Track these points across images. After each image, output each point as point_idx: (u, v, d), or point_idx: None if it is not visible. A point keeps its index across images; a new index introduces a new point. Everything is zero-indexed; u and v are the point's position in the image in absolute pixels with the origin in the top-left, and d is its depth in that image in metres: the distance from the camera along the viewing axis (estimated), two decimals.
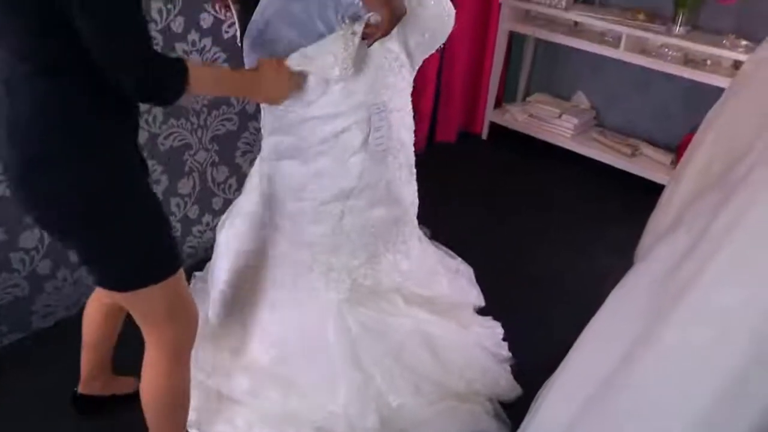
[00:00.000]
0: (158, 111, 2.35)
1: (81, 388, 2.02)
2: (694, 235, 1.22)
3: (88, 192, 1.40)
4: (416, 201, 2.14)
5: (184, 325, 1.63)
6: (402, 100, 1.94)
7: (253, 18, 1.79)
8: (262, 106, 1.97)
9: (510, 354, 2.27)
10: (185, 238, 2.67)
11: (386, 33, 1.69)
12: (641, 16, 3.36)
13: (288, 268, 2.03)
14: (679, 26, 3.19)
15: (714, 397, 1.04)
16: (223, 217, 2.25)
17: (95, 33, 1.27)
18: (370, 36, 1.70)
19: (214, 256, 2.25)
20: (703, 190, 1.51)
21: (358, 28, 1.69)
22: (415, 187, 2.13)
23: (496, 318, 2.41)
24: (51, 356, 2.24)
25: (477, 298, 2.47)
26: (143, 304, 1.55)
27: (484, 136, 3.99)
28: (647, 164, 3.50)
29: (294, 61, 1.74)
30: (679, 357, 1.11)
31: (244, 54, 1.86)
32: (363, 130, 1.85)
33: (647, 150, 3.58)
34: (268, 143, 1.99)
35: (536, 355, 2.08)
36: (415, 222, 2.19)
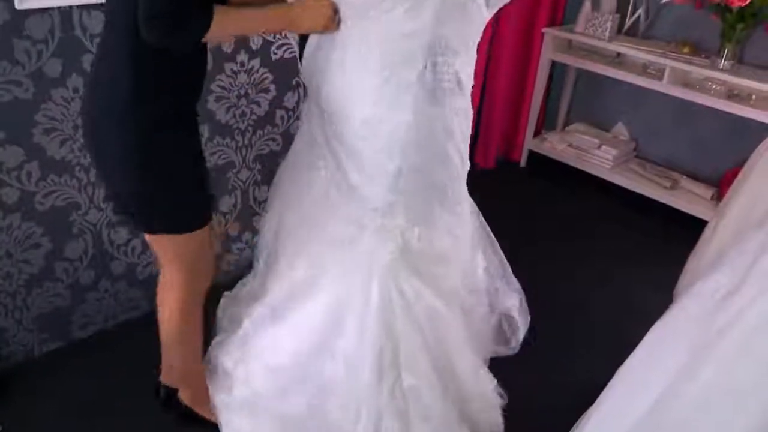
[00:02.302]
0: (204, 129, 2.40)
1: (162, 378, 2.09)
2: (738, 275, 1.21)
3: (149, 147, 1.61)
4: (468, 162, 2.05)
5: (204, 270, 1.88)
6: (466, 41, 1.86)
7: None
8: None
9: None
10: (224, 255, 2.70)
11: None
12: (686, 49, 3.35)
13: (339, 226, 1.99)
14: (724, 60, 3.17)
15: None
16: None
17: None
18: None
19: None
20: (746, 228, 1.50)
21: None
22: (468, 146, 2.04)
23: (525, 346, 2.39)
24: (88, 366, 2.29)
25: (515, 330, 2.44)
26: (178, 247, 1.78)
27: (523, 163, 4.00)
28: (687, 198, 3.46)
29: None
30: (721, 394, 1.10)
31: None
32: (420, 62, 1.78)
33: (687, 183, 3.55)
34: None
35: (566, 389, 2.07)
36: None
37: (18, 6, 1.88)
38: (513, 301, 2.44)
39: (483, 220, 2.32)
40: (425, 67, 1.76)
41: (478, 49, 1.90)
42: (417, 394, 1.92)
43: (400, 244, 1.92)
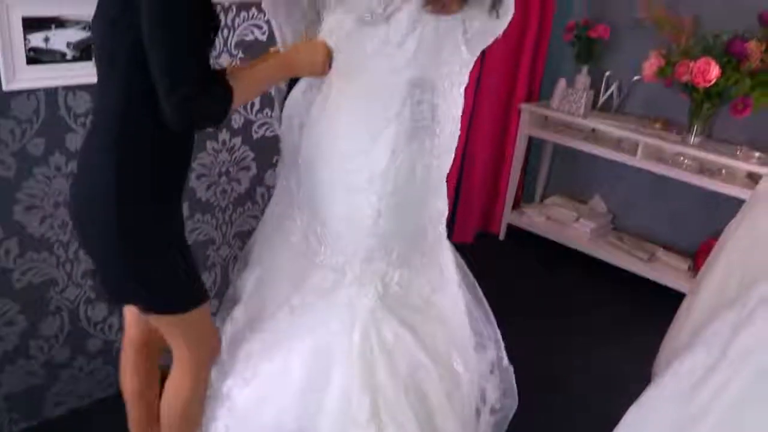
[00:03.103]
0: (185, 206, 2.41)
1: None
2: (714, 355, 1.23)
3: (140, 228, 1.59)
4: (446, 210, 2.04)
5: (208, 348, 1.85)
6: (450, 80, 1.85)
7: None
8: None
9: None
10: None
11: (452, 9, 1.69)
12: (657, 125, 3.46)
13: (316, 274, 1.96)
14: (694, 136, 3.28)
15: None
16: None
17: (157, 48, 1.40)
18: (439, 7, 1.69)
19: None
20: (720, 307, 1.53)
21: None
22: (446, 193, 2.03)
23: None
24: None
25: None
26: (182, 327, 1.76)
27: (502, 237, 4.04)
28: (664, 270, 3.51)
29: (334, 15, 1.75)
30: None
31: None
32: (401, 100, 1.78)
33: (664, 255, 3.60)
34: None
35: None
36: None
37: (5, 88, 1.91)
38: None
39: (473, 280, 2.30)
40: (405, 105, 1.77)
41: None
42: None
43: (380, 291, 1.90)
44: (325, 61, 1.76)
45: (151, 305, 1.71)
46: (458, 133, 1.93)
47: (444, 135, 1.87)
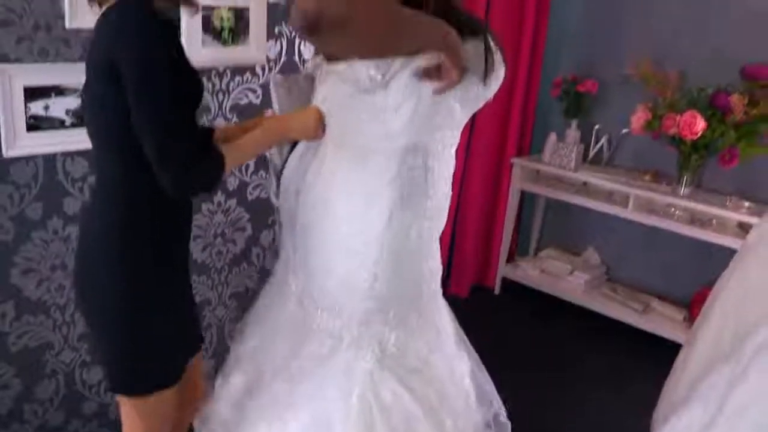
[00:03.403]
0: None
1: None
2: (710, 411, 1.23)
3: (125, 291, 1.58)
4: (440, 269, 2.03)
5: None
6: (443, 143, 1.86)
7: None
8: None
9: None
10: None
11: (455, 82, 1.67)
12: (647, 177, 3.51)
13: (314, 339, 1.94)
14: (684, 187, 3.32)
15: None
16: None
17: (145, 126, 1.42)
18: (438, 83, 1.69)
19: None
20: (716, 359, 1.54)
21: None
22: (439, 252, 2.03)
23: None
24: None
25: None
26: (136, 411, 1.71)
27: (497, 290, 4.05)
28: (659, 320, 3.51)
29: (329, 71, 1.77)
30: None
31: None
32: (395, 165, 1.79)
33: (659, 306, 3.61)
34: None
35: None
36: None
37: (5, 154, 1.95)
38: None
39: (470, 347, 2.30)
40: (400, 170, 1.78)
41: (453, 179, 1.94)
42: None
43: (378, 353, 1.89)
44: (318, 126, 1.79)
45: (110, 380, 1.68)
46: (450, 193, 1.94)
47: (437, 197, 1.88)
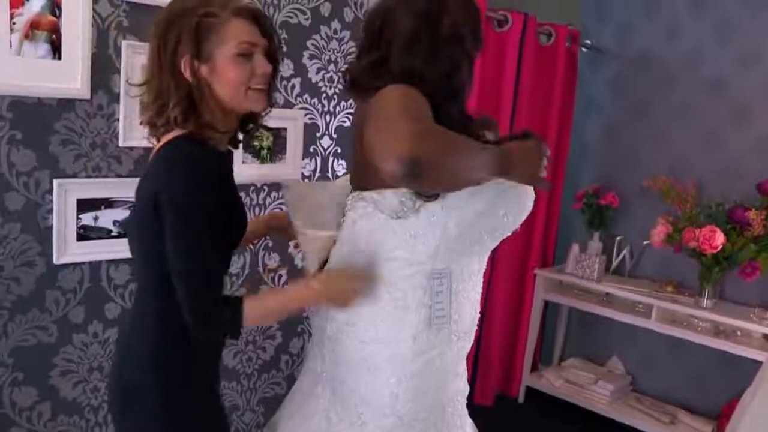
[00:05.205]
0: None
1: None
2: None
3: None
4: (467, 388, 2.01)
5: None
6: (470, 269, 1.87)
7: None
8: None
9: None
10: None
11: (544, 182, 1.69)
12: (670, 288, 3.54)
13: None
14: (707, 299, 3.34)
15: None
16: None
17: (175, 268, 1.48)
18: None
19: None
20: None
21: None
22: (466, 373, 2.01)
23: None
24: None
25: None
26: None
27: (521, 399, 4.02)
28: None
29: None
30: None
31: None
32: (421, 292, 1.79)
33: (685, 418, 3.56)
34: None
35: None
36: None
37: (56, 261, 2.07)
38: None
39: None
40: (426, 295, 1.78)
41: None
42: None
43: None
44: (350, 299, 1.74)
45: None
46: (478, 316, 1.95)
47: (463, 320, 1.89)
